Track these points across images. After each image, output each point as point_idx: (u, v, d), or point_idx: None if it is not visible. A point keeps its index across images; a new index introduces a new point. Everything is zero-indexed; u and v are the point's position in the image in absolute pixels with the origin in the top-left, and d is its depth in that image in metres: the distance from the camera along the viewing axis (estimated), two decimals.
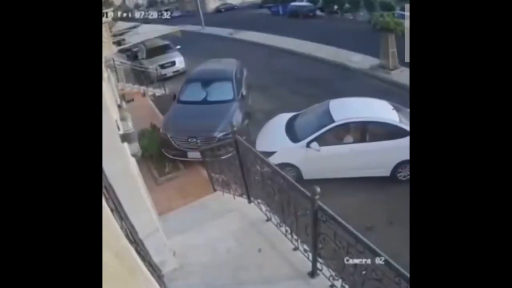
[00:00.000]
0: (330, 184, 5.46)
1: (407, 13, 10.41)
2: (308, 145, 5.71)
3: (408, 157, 4.58)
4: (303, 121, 6.39)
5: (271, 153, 5.52)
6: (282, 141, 6.01)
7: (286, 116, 6.78)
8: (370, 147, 5.66)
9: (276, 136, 6.25)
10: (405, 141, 5.26)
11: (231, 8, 36.06)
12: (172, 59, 13.78)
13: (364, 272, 2.44)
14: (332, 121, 5.81)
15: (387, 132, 5.65)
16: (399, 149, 5.34)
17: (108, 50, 7.98)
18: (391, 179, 5.75)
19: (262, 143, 6.14)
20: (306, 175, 5.81)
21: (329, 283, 2.86)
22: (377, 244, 2.24)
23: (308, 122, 6.24)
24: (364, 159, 5.63)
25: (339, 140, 5.86)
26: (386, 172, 5.76)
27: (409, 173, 5.49)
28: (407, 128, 5.36)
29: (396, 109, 6.06)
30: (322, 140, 5.71)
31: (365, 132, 5.76)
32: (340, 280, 2.77)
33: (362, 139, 5.76)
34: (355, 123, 5.81)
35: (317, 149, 5.64)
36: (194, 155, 6.43)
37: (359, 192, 5.58)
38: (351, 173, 5.80)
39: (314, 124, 6.00)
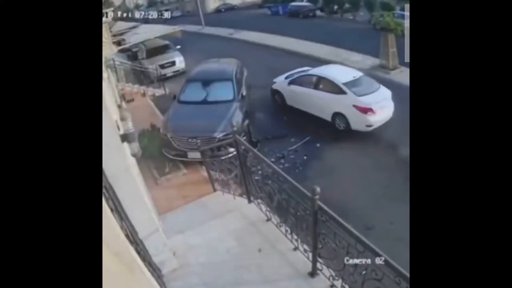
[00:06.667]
0: None
1: (407, 13, 10.43)
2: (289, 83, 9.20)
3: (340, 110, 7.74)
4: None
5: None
6: (281, 79, 9.82)
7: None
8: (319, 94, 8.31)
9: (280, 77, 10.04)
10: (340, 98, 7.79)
11: (231, 8, 36.06)
12: (172, 59, 13.76)
13: (364, 272, 2.44)
14: (304, 71, 9.62)
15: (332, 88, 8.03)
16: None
17: (108, 50, 7.98)
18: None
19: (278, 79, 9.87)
20: (288, 102, 9.29)
21: (329, 283, 2.86)
22: None
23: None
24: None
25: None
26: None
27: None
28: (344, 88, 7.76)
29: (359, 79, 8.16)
30: (295, 82, 9.09)
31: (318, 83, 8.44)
32: (340, 280, 2.77)
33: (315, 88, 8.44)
34: (313, 76, 8.76)
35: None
36: (194, 155, 6.43)
37: None
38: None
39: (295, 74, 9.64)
